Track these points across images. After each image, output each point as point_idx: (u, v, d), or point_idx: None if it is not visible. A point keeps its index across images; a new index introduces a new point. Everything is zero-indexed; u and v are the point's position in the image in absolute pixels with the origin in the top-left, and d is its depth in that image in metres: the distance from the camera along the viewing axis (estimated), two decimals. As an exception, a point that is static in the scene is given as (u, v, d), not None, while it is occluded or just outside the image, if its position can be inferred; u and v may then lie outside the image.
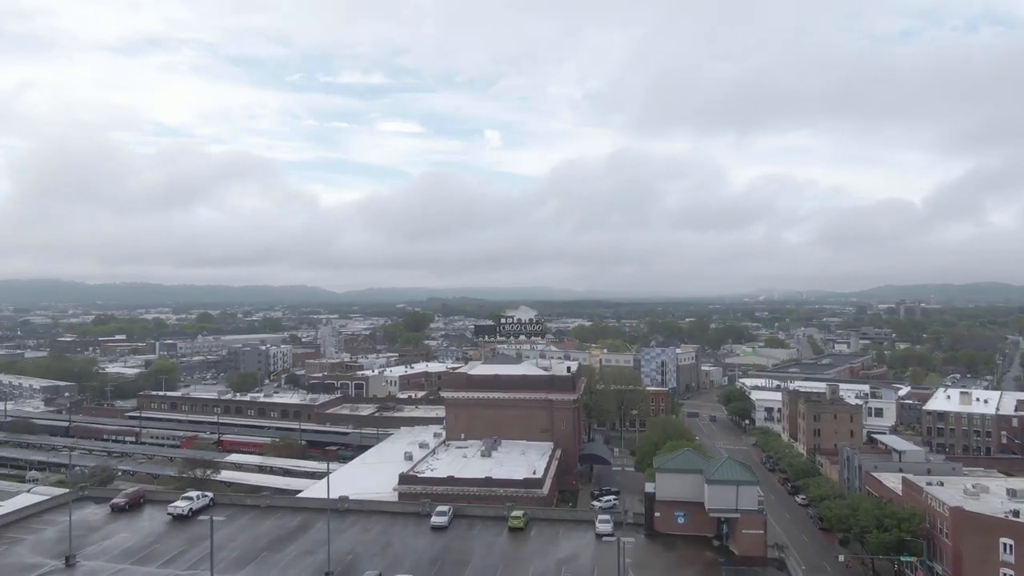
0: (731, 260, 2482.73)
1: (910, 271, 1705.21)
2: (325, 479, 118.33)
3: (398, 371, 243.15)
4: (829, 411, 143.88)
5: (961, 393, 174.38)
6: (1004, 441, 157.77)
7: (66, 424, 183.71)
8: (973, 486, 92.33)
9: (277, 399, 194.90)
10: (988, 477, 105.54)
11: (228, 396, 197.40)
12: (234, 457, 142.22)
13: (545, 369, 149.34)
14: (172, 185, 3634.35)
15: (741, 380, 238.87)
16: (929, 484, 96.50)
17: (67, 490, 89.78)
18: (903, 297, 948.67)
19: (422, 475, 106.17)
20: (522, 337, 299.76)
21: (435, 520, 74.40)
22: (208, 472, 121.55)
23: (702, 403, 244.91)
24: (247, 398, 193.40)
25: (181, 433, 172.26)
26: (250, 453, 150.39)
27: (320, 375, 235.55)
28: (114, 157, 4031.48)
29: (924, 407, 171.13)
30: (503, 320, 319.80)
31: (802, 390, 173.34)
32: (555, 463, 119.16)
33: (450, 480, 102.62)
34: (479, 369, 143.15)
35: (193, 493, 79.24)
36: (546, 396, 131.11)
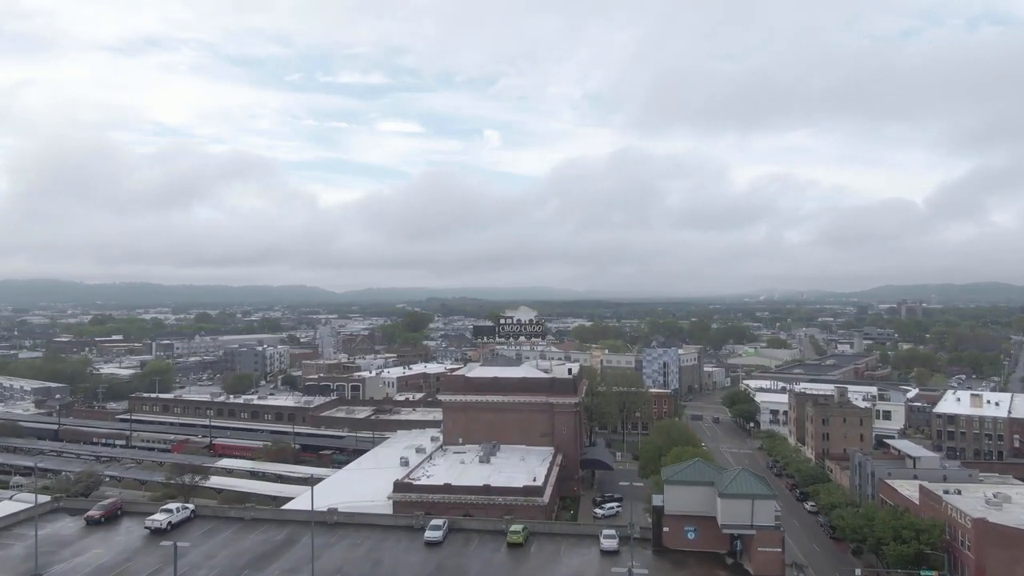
0: (731, 260, 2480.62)
1: (911, 271, 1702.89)
2: (317, 486, 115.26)
3: (396, 372, 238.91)
4: (838, 415, 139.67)
5: (972, 395, 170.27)
6: (1017, 445, 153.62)
7: (55, 427, 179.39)
8: (995, 495, 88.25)
9: (271, 401, 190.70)
10: (1006, 484, 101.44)
11: (221, 398, 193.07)
12: (225, 462, 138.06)
13: (545, 371, 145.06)
14: (172, 185, 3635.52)
15: (745, 382, 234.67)
16: (946, 492, 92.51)
17: (50, 498, 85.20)
18: (904, 297, 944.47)
19: (418, 482, 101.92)
20: (522, 338, 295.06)
21: (429, 535, 70.02)
22: (197, 478, 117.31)
23: (705, 405, 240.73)
24: (240, 400, 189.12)
25: (172, 437, 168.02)
26: (242, 458, 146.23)
27: (316, 376, 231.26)
28: (114, 157, 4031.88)
29: (934, 410, 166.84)
30: (502, 321, 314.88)
31: (809, 392, 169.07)
32: (556, 469, 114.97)
33: (447, 488, 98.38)
34: (477, 371, 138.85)
35: (172, 505, 74.79)
36: (546, 399, 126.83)
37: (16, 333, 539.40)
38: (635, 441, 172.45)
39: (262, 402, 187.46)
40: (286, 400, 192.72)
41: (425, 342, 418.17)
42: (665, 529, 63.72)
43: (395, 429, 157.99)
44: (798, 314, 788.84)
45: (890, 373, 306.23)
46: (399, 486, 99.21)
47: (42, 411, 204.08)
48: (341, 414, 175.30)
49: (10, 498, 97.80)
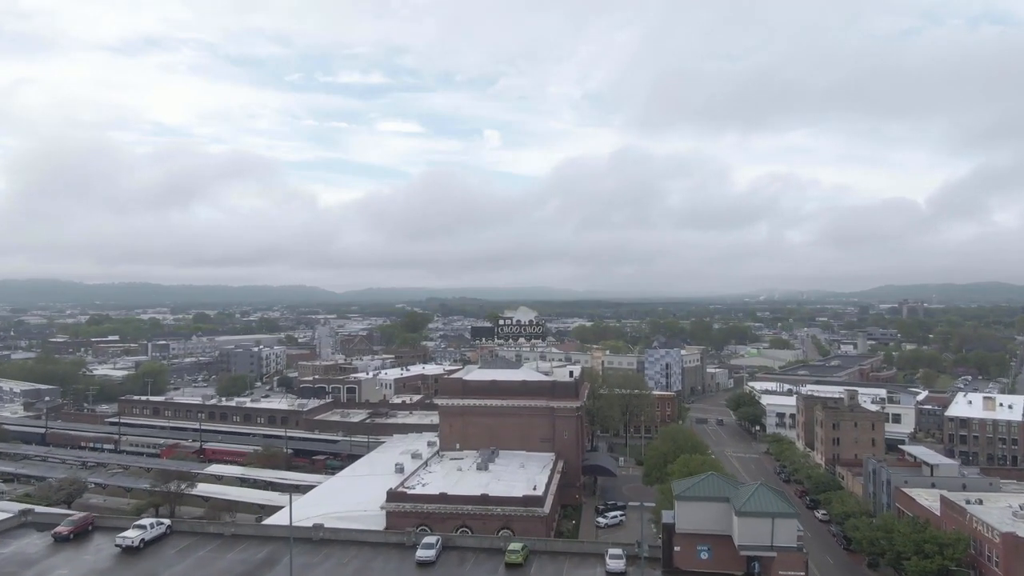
0: (731, 260, 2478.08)
1: (911, 271, 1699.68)
2: (308, 494, 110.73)
3: (393, 374, 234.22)
4: (849, 419, 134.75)
5: (984, 398, 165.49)
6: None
7: (43, 431, 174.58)
8: (1021, 507, 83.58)
9: (264, 404, 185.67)
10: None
11: (213, 401, 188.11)
12: (213, 468, 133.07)
13: (546, 373, 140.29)
14: (171, 185, 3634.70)
15: (750, 384, 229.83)
16: (968, 502, 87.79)
17: (19, 511, 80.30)
18: (904, 297, 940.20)
19: (412, 491, 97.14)
20: (521, 340, 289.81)
21: (421, 554, 64.99)
22: (183, 486, 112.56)
23: (708, 407, 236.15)
24: (232, 403, 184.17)
25: (162, 441, 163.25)
26: (233, 463, 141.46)
27: (311, 378, 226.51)
28: (113, 157, 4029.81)
29: (946, 413, 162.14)
30: (501, 322, 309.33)
31: (817, 395, 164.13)
32: (557, 476, 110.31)
33: (443, 497, 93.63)
34: (475, 374, 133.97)
35: (146, 521, 69.78)
36: (547, 403, 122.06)
37: (12, 334, 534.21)
38: (638, 445, 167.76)
39: (254, 405, 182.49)
40: (279, 403, 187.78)
41: (424, 343, 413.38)
42: (676, 548, 58.93)
43: (391, 433, 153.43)
44: (799, 314, 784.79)
45: (895, 374, 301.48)
46: (393, 495, 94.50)
47: (31, 414, 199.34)
48: (336, 417, 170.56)
49: None
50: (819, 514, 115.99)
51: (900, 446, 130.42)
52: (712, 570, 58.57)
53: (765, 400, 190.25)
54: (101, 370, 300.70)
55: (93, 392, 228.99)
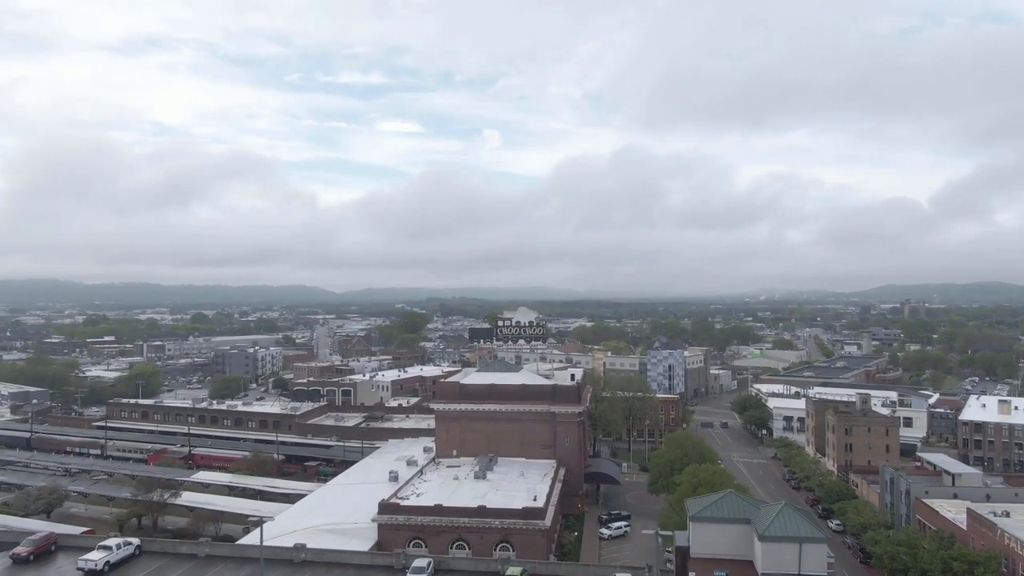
0: (731, 260, 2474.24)
1: (911, 271, 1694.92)
2: (297, 504, 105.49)
3: (390, 375, 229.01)
4: (862, 424, 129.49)
5: (999, 401, 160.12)
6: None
7: (27, 436, 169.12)
8: (1055, 522, 78.40)
9: (256, 408, 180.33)
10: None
11: (203, 404, 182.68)
12: (201, 475, 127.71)
13: (546, 376, 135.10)
14: (171, 185, 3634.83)
15: (756, 386, 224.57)
16: (993, 515, 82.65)
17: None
18: (904, 297, 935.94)
19: (406, 502, 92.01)
20: (521, 342, 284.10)
21: (412, 578, 59.91)
22: (167, 495, 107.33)
23: (712, 409, 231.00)
24: (223, 407, 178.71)
25: (150, 446, 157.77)
26: (223, 469, 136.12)
27: (306, 380, 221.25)
28: (113, 156, 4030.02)
29: (960, 417, 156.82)
30: (500, 323, 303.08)
31: (828, 399, 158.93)
32: (558, 485, 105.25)
33: (437, 509, 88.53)
34: (473, 378, 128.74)
35: (112, 541, 64.29)
36: (548, 408, 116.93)
37: (8, 334, 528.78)
38: (642, 450, 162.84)
39: (246, 409, 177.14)
40: (271, 407, 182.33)
41: (422, 343, 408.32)
42: (691, 574, 53.67)
43: (386, 438, 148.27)
44: (800, 314, 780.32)
45: (901, 375, 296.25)
46: (385, 507, 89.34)
47: (18, 417, 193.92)
48: (330, 421, 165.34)
49: None
50: (833, 524, 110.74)
51: (918, 453, 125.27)
52: (731, 598, 53.30)
53: (772, 403, 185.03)
54: (94, 371, 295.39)
55: (82, 394, 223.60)
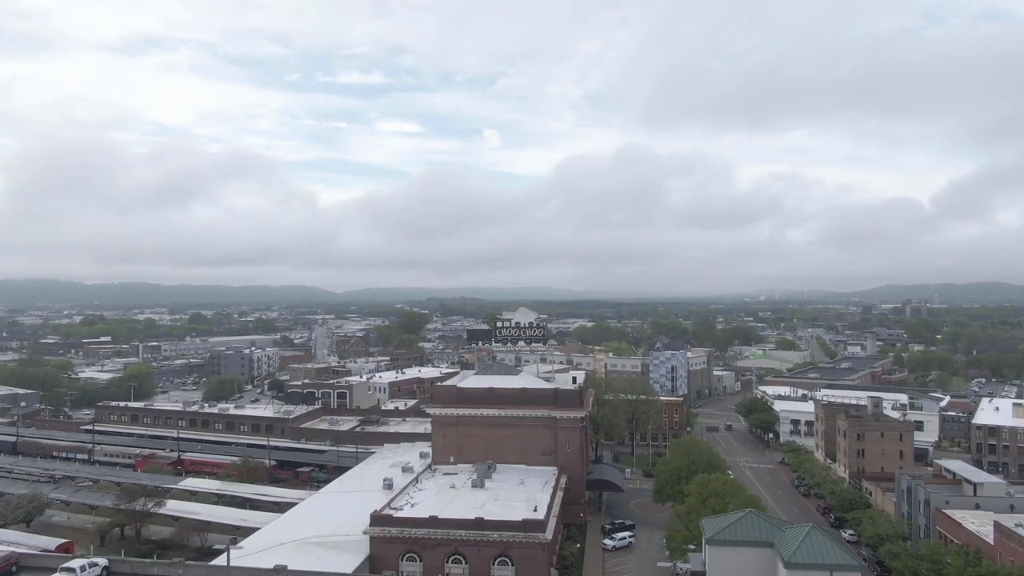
0: (731, 260, 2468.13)
1: (912, 271, 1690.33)
2: (287, 514, 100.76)
3: (388, 377, 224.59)
4: (875, 428, 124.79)
5: (1014, 404, 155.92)
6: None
7: (13, 440, 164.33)
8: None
9: (248, 411, 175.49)
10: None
11: (195, 407, 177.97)
12: (188, 482, 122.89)
13: (547, 379, 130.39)
14: (171, 184, 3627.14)
15: (761, 388, 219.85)
16: (1018, 526, 78.09)
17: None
18: (905, 297, 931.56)
19: (399, 514, 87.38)
20: (521, 343, 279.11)
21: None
22: (150, 504, 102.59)
23: (716, 411, 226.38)
24: (215, 410, 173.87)
25: (138, 451, 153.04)
26: (213, 475, 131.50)
27: (301, 382, 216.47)
28: (113, 156, 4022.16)
29: (973, 421, 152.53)
30: (499, 324, 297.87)
31: (838, 402, 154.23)
32: (559, 494, 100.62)
33: (433, 521, 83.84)
34: (471, 381, 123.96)
35: (77, 563, 59.59)
36: (549, 413, 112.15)
37: (4, 334, 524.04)
38: (645, 455, 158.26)
39: (238, 412, 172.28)
40: (264, 410, 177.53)
41: (421, 344, 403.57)
42: (707, 601, 49.18)
43: (382, 443, 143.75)
44: (801, 314, 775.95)
45: (907, 377, 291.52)
46: (377, 519, 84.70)
47: (5, 420, 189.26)
48: (324, 425, 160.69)
49: None
50: (847, 534, 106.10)
51: (935, 460, 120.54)
52: (750, 627, 48.74)
53: (778, 406, 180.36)
54: (87, 373, 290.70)
55: (72, 396, 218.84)
